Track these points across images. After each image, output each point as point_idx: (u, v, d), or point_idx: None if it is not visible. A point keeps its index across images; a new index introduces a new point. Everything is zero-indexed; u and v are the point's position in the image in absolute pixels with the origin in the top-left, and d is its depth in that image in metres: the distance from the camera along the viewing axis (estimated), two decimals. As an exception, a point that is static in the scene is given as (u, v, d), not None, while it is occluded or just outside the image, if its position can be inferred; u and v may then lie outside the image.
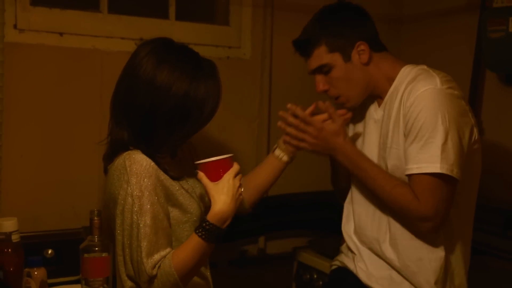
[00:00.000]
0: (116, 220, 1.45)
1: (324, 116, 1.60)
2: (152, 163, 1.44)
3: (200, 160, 1.46)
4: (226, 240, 1.95)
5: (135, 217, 1.40)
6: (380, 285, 1.62)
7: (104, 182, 1.56)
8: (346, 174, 1.73)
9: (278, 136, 2.41)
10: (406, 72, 1.58)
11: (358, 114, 1.70)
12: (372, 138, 1.65)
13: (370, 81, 1.60)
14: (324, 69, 1.60)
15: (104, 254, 1.47)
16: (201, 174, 1.44)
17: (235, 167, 1.46)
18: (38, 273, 1.53)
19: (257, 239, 2.44)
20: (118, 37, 2.06)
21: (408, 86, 1.53)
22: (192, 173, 1.58)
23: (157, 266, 1.39)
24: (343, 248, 1.78)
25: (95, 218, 1.48)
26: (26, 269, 1.53)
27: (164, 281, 1.39)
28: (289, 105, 1.64)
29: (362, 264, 1.67)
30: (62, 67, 1.98)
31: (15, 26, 1.90)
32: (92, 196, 2.00)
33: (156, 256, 1.40)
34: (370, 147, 1.65)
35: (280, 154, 1.68)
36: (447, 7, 2.47)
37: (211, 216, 1.41)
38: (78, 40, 2.01)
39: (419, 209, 1.48)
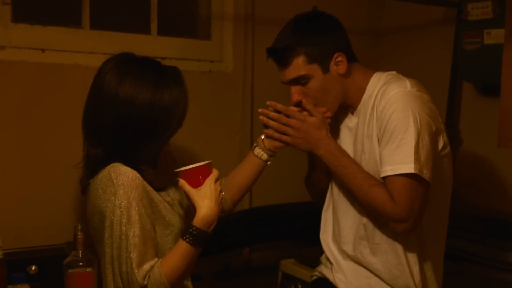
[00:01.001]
0: (103, 233, 1.45)
1: (304, 113, 1.60)
2: (138, 174, 1.45)
3: (179, 168, 1.48)
4: (210, 253, 1.97)
5: (124, 228, 1.41)
6: None
7: (86, 197, 1.57)
8: (322, 175, 1.74)
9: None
10: (377, 79, 1.61)
11: (332, 123, 1.70)
12: (347, 146, 1.66)
13: (345, 91, 1.62)
14: (302, 81, 1.58)
15: (88, 269, 1.48)
16: (182, 182, 1.47)
17: (215, 172, 1.49)
18: (22, 290, 1.52)
19: (242, 251, 2.45)
20: (100, 53, 2.06)
21: (380, 90, 1.56)
22: (174, 183, 1.61)
23: (147, 275, 1.40)
24: (322, 258, 1.80)
25: (79, 233, 1.48)
26: (9, 286, 1.52)
27: None
28: (268, 102, 1.64)
29: (341, 275, 1.69)
30: (44, 83, 1.98)
31: (-4, 43, 1.91)
32: (75, 211, 2.00)
33: (146, 266, 1.41)
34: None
35: (260, 152, 1.68)
36: (424, 20, 2.53)
37: (197, 221, 1.43)
38: (60, 56, 2.01)
39: (395, 211, 1.49)
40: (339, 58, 1.58)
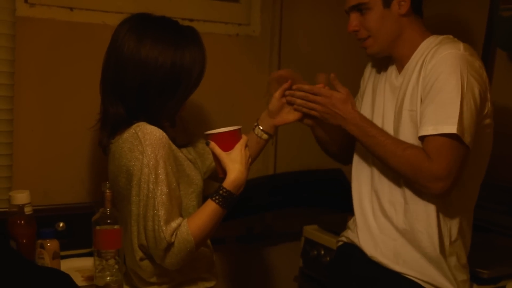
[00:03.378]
0: (130, 192, 1.47)
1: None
2: (164, 133, 1.46)
3: (209, 130, 1.50)
4: (233, 217, 1.98)
5: (152, 186, 1.42)
6: (386, 258, 1.63)
7: (108, 158, 1.59)
8: (333, 140, 1.78)
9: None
10: (431, 40, 1.60)
11: (378, 80, 1.71)
12: (390, 105, 1.65)
13: (399, 36, 1.61)
14: (362, 7, 1.59)
15: (116, 226, 1.49)
16: (213, 144, 1.49)
17: (244, 138, 1.52)
18: (51, 244, 1.55)
19: (264, 216, 2.46)
20: (128, 13, 2.01)
21: (431, 50, 1.54)
22: (194, 142, 1.65)
23: (174, 233, 1.43)
24: (350, 223, 1.80)
25: (107, 191, 1.50)
26: (39, 241, 1.55)
27: (181, 247, 1.43)
28: (295, 86, 1.67)
29: (368, 236, 1.68)
30: (72, 42, 1.98)
31: (26, 1, 1.90)
32: (102, 170, 2.01)
33: (173, 224, 1.43)
34: (388, 113, 1.65)
35: (259, 132, 1.74)
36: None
37: (227, 184, 1.47)
38: (88, 16, 2.00)
39: (432, 169, 1.47)
40: None
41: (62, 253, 1.67)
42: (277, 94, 1.73)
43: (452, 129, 1.45)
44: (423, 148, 1.50)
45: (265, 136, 1.74)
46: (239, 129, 1.52)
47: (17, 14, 1.85)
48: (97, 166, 2.04)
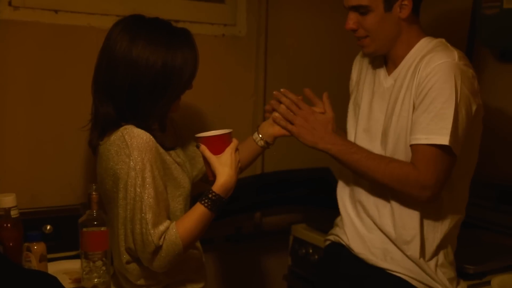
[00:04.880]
0: (117, 195, 1.47)
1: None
2: (151, 137, 1.46)
3: (199, 133, 1.51)
4: (222, 217, 1.99)
5: (138, 190, 1.42)
6: (374, 255, 1.65)
7: (96, 159, 1.59)
8: None
9: (273, 114, 2.44)
10: (425, 44, 1.59)
11: (367, 81, 1.70)
12: (379, 106, 1.64)
13: (397, 37, 1.59)
14: (361, 10, 1.56)
15: (103, 228, 1.50)
16: (203, 147, 1.49)
17: (235, 142, 1.52)
18: (38, 247, 1.55)
19: (253, 215, 2.47)
20: (113, 15, 2.04)
21: (425, 56, 1.53)
22: (183, 145, 1.65)
23: (163, 236, 1.43)
24: (338, 221, 1.80)
25: (93, 193, 1.50)
26: (26, 244, 1.55)
27: (169, 250, 1.43)
28: (282, 90, 1.66)
29: (354, 233, 1.68)
30: (57, 45, 1.97)
31: (10, 3, 1.89)
32: (89, 173, 2.02)
33: (161, 227, 1.44)
34: (376, 115, 1.65)
35: (257, 138, 1.73)
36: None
37: (217, 187, 1.48)
38: (74, 18, 2.00)
39: (419, 179, 1.49)
40: (406, 2, 1.55)
41: (50, 256, 1.67)
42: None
43: (445, 140, 1.45)
44: (412, 154, 1.51)
45: (261, 143, 1.72)
46: (230, 132, 1.52)
47: (1, 17, 1.85)
48: (84, 168, 2.03)
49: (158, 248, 1.43)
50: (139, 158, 1.43)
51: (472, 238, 2.03)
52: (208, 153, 1.49)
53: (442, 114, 1.46)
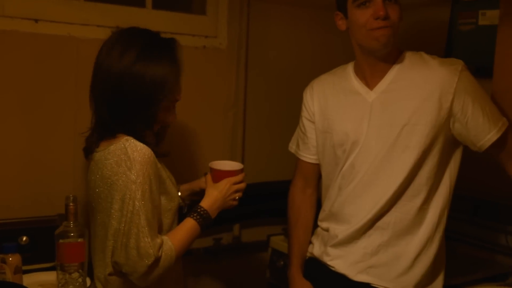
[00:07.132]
0: (112, 206, 1.46)
1: None
2: (152, 152, 1.48)
3: (214, 162, 1.68)
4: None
5: (137, 203, 1.43)
6: (355, 269, 1.64)
7: (88, 166, 1.58)
8: None
9: (253, 126, 2.46)
10: (411, 55, 1.65)
11: (338, 99, 1.69)
12: (371, 121, 1.62)
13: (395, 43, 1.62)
14: None
15: (79, 240, 1.49)
16: (208, 177, 1.64)
17: (238, 177, 1.66)
18: (13, 259, 1.54)
19: (232, 227, 2.47)
20: (94, 25, 2.05)
21: (426, 64, 1.61)
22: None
23: (161, 249, 1.45)
24: (313, 238, 1.81)
25: (71, 204, 1.49)
26: (1, 255, 1.53)
27: (165, 263, 1.46)
28: None
29: (337, 252, 1.68)
30: (37, 54, 1.96)
31: (-12, 12, 1.89)
32: (66, 183, 2.00)
33: (158, 240, 1.46)
34: (373, 129, 1.61)
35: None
36: (421, 0, 2.51)
37: (204, 204, 1.58)
38: (54, 27, 1.99)
39: None
40: None
41: (25, 267, 1.65)
42: None
43: (505, 120, 1.60)
44: (499, 148, 1.60)
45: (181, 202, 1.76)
46: (241, 169, 1.68)
47: (-20, 26, 1.84)
48: (61, 179, 2.02)
49: (157, 260, 1.44)
50: (140, 172, 1.44)
51: (447, 250, 2.05)
52: (209, 178, 1.64)
53: (486, 103, 1.58)
